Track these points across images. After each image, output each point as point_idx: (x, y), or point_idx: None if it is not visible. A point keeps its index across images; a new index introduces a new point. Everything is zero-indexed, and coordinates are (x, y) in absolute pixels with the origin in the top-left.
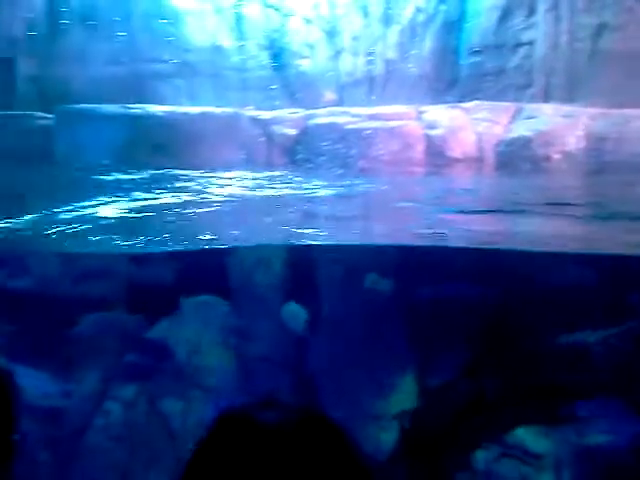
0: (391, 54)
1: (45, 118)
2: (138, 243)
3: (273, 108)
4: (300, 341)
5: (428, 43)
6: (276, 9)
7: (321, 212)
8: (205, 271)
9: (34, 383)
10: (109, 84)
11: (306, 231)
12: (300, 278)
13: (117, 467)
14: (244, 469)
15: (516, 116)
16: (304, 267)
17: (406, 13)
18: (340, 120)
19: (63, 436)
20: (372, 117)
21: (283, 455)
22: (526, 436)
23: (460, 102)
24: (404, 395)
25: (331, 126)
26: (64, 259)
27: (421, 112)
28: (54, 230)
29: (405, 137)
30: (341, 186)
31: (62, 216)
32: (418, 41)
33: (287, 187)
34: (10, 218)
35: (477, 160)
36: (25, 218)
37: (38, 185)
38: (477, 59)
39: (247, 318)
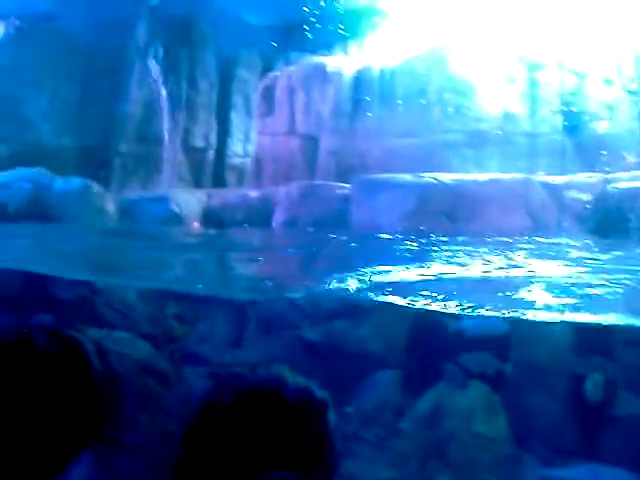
0: None
1: (342, 187)
2: (423, 305)
3: (566, 173)
4: (587, 423)
5: None
6: (573, 72)
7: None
8: (483, 339)
9: None
10: (402, 155)
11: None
12: (587, 358)
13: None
14: None
15: None
16: (594, 347)
17: None
18: None
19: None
20: None
21: None
22: None
23: None
24: None
25: (635, 191)
26: (352, 312)
27: None
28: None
29: None
30: None
31: (356, 279)
32: None
33: (580, 256)
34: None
35: None
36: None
37: (335, 249)
38: None
39: (526, 392)
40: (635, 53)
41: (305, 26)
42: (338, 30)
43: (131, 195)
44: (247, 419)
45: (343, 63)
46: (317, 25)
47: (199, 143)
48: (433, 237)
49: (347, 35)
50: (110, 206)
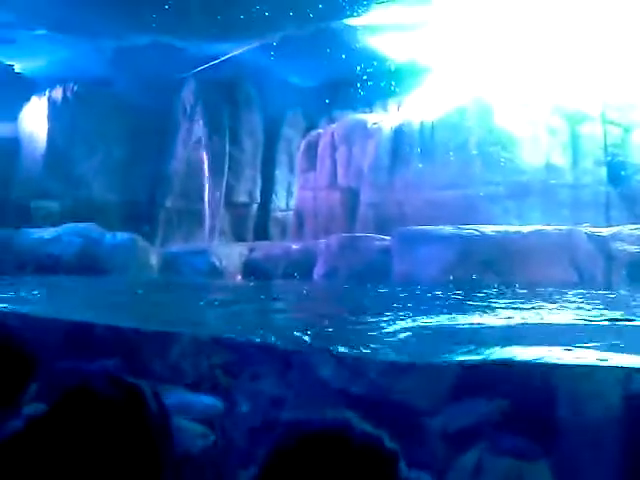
0: None
1: (382, 239)
2: (464, 355)
3: (611, 224)
4: None
5: None
6: (616, 124)
7: None
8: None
9: None
10: (443, 207)
11: None
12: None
13: None
14: None
15: None
16: None
17: None
18: None
19: None
20: None
21: None
22: None
23: None
24: None
25: None
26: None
27: None
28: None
29: None
30: None
31: (389, 326)
32: None
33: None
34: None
35: None
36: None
37: (375, 299)
38: None
39: (574, 451)
40: None
41: (358, 84)
42: (390, 87)
43: (173, 248)
44: (314, 467)
45: (384, 119)
46: (369, 83)
47: (242, 198)
48: (484, 289)
49: (395, 91)
50: (154, 259)
